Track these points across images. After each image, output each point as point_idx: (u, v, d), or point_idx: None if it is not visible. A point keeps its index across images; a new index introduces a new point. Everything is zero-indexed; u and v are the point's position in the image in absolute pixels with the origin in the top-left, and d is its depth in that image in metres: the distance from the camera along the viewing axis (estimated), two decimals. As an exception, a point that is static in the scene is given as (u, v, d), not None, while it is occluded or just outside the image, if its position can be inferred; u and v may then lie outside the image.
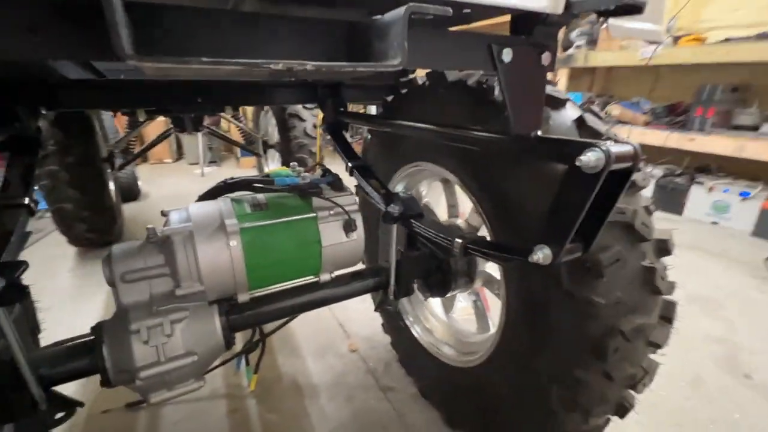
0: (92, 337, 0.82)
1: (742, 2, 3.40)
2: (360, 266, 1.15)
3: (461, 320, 1.47)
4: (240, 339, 1.91)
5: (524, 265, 0.86)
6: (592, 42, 4.02)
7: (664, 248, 0.81)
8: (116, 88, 1.23)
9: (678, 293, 0.86)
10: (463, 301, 1.53)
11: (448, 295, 1.28)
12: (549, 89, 0.86)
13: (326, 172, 1.03)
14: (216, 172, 5.40)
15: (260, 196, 0.97)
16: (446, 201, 1.43)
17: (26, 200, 0.92)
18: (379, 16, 0.39)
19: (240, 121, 3.39)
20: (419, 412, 1.45)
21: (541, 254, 0.63)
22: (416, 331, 1.44)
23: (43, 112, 1.10)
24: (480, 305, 1.35)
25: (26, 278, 0.76)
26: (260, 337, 1.28)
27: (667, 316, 0.83)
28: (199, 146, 5.04)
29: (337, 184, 1.01)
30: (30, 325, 1.13)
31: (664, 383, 1.57)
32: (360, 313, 2.07)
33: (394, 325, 1.58)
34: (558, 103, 0.84)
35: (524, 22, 0.60)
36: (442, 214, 1.44)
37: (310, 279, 1.05)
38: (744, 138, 3.01)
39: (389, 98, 1.35)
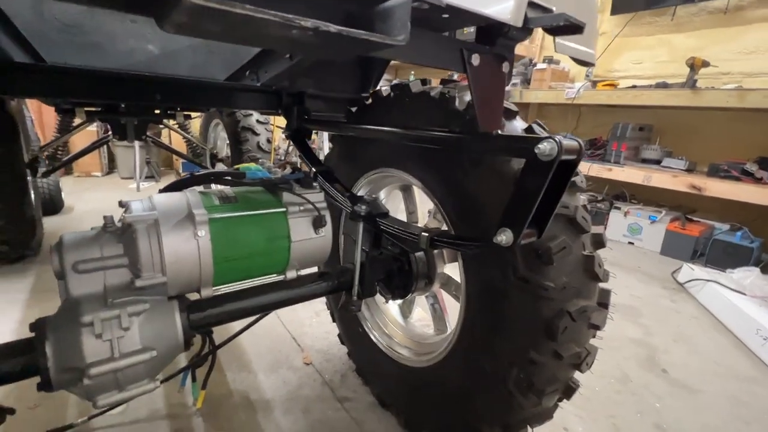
0: (32, 335, 0.75)
1: (644, 56, 4.05)
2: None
3: (419, 325, 1.52)
4: (185, 353, 1.78)
5: (484, 256, 0.95)
6: (525, 81, 4.49)
7: (599, 241, 0.93)
8: (62, 75, 1.17)
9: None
10: (419, 308, 1.58)
11: (408, 297, 1.32)
12: (504, 103, 0.98)
13: (296, 169, 1.05)
14: (154, 187, 5.06)
15: (228, 190, 0.96)
16: (405, 208, 1.50)
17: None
18: (383, 4, 0.45)
19: (188, 132, 3.27)
20: (377, 420, 1.44)
21: (504, 237, 0.70)
22: (375, 336, 1.46)
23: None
24: (437, 308, 1.41)
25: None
26: (210, 349, 1.22)
27: (604, 302, 0.94)
28: (136, 158, 4.69)
29: (306, 181, 1.03)
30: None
31: (596, 380, 1.73)
32: (314, 327, 2.03)
33: (352, 333, 1.58)
34: (510, 114, 0.95)
35: (488, 33, 0.70)
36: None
37: (275, 278, 1.04)
38: (650, 170, 3.50)
39: (353, 108, 1.42)
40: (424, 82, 1.17)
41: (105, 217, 0.82)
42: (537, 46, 4.85)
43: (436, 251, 1.28)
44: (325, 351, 1.84)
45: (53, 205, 3.52)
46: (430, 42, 0.63)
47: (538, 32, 4.80)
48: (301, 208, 0.99)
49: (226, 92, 1.48)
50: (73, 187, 4.61)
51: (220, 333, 1.07)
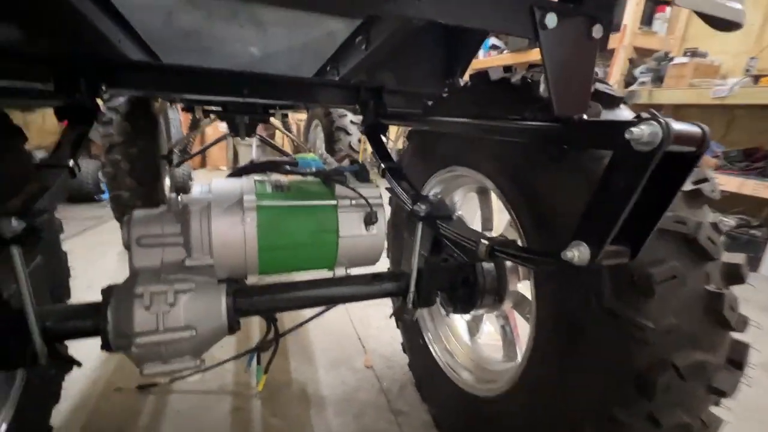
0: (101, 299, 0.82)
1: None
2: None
3: (486, 346, 1.34)
4: (256, 336, 1.89)
5: (559, 275, 0.76)
6: (658, 79, 3.80)
7: (734, 274, 0.67)
8: (170, 72, 1.31)
9: (752, 359, 0.70)
10: (489, 325, 1.40)
11: (474, 312, 1.17)
12: (602, 86, 0.78)
13: (354, 161, 1.00)
14: (264, 181, 5.63)
15: (284, 179, 0.95)
16: (481, 214, 1.34)
17: (70, 163, 0.97)
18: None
19: (290, 132, 3.54)
20: (430, 443, 1.31)
21: (577, 252, 0.53)
22: (435, 350, 1.33)
23: (103, 88, 1.17)
24: (509, 331, 1.22)
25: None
26: (275, 336, 1.24)
27: (737, 359, 0.68)
28: (252, 155, 5.33)
29: (362, 175, 0.97)
30: (55, 286, 1.17)
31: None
32: (381, 330, 1.98)
33: (413, 343, 1.47)
34: (611, 101, 0.75)
35: (574, -12, 0.54)
36: (476, 228, 1.36)
37: (324, 273, 1.00)
38: (839, 190, 2.64)
39: (430, 102, 1.32)
40: (507, 69, 1.02)
41: (169, 197, 0.87)
42: (677, 38, 4.08)
43: (509, 265, 1.11)
44: (387, 357, 1.76)
45: (185, 191, 4.15)
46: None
47: (679, 19, 4.02)
48: (353, 202, 0.93)
49: (310, 88, 1.52)
50: (203, 178, 5.39)
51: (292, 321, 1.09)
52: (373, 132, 1.42)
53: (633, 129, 0.45)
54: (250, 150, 5.93)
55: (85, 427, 1.31)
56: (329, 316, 1.87)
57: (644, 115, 0.68)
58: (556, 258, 0.55)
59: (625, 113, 0.76)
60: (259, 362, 1.41)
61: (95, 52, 1.11)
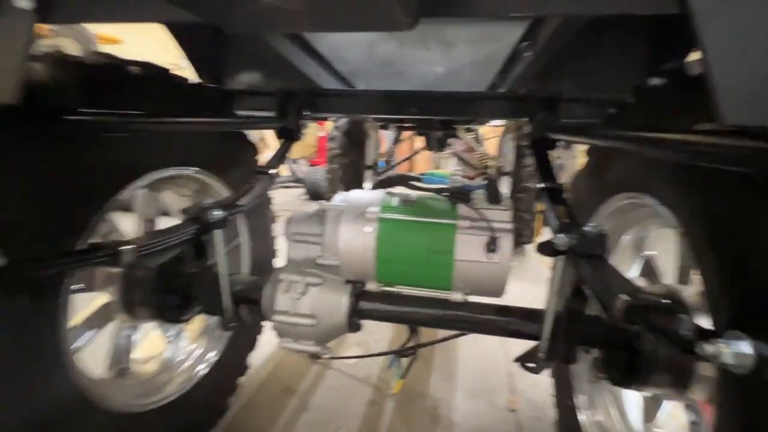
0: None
1: None
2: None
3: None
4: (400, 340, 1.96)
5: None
6: None
7: None
8: (357, 96, 1.53)
9: None
10: (682, 414, 1.00)
11: (636, 390, 0.87)
12: None
13: (487, 179, 0.91)
14: (457, 193, 5.80)
15: (413, 194, 0.97)
16: (679, 260, 0.99)
17: (272, 171, 1.28)
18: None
19: (480, 144, 3.52)
20: None
21: (730, 349, 0.33)
22: (584, 420, 1.06)
23: (306, 113, 1.49)
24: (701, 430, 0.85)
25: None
26: (413, 345, 1.28)
27: None
28: (449, 166, 5.59)
29: (492, 195, 0.88)
30: (262, 263, 1.55)
31: None
32: (539, 372, 1.72)
33: (561, 400, 1.22)
34: None
35: None
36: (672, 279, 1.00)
37: (442, 294, 0.96)
38: None
39: (612, 111, 1.06)
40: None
41: (320, 202, 1.03)
42: None
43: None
44: (536, 405, 1.52)
45: (386, 197, 4.73)
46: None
47: None
48: (475, 224, 0.85)
49: (476, 102, 1.48)
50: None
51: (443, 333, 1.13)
52: (541, 148, 1.25)
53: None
54: (448, 162, 6.24)
55: (268, 373, 1.69)
56: (481, 340, 1.77)
57: None
58: (688, 345, 0.36)
59: None
60: (399, 366, 1.49)
61: (301, 85, 1.42)
